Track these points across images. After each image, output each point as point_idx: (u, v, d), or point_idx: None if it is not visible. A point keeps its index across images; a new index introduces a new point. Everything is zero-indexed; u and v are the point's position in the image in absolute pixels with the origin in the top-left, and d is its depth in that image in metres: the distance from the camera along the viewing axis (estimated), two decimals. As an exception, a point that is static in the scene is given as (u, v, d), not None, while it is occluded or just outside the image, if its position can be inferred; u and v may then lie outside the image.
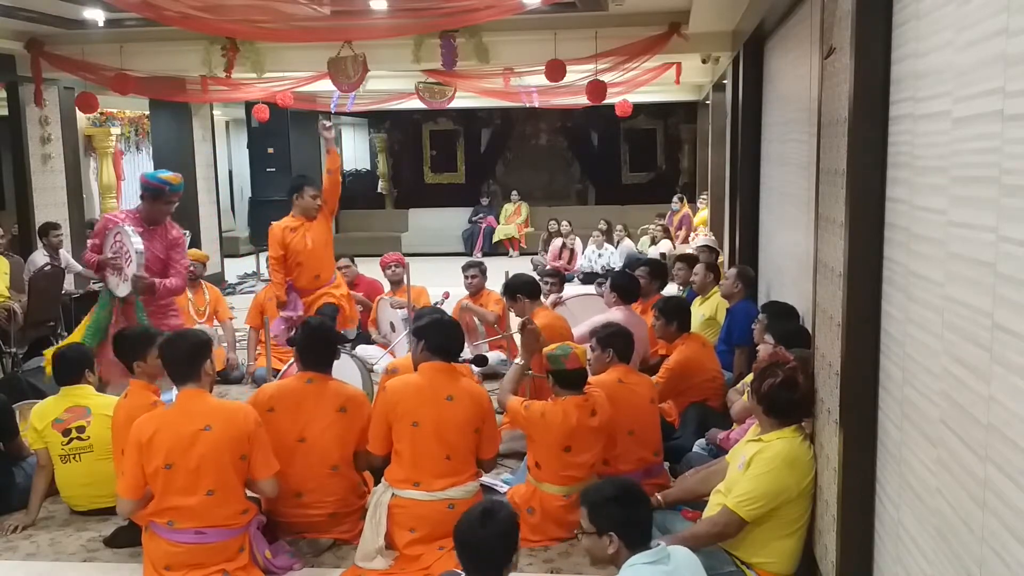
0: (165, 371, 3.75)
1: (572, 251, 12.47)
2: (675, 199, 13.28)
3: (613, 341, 4.32)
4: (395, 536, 3.75)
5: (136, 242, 4.96)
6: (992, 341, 1.86)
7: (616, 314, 5.39)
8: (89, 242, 5.31)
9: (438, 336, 3.97)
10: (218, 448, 3.48)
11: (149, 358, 4.11)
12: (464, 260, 8.88)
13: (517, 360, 4.37)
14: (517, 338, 5.98)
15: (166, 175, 5.20)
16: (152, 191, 5.12)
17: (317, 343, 4.06)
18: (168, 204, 5.19)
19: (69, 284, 8.00)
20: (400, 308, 7.23)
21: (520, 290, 5.48)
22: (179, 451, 3.46)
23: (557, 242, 12.73)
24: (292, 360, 5.54)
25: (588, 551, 2.83)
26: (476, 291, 7.02)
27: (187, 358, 3.61)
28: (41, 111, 8.99)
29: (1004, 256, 1.81)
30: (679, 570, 2.66)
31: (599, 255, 12.08)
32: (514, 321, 6.23)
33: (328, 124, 6.18)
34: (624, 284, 5.69)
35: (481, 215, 15.62)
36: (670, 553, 2.69)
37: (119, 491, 3.58)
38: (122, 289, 5.10)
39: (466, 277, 7.04)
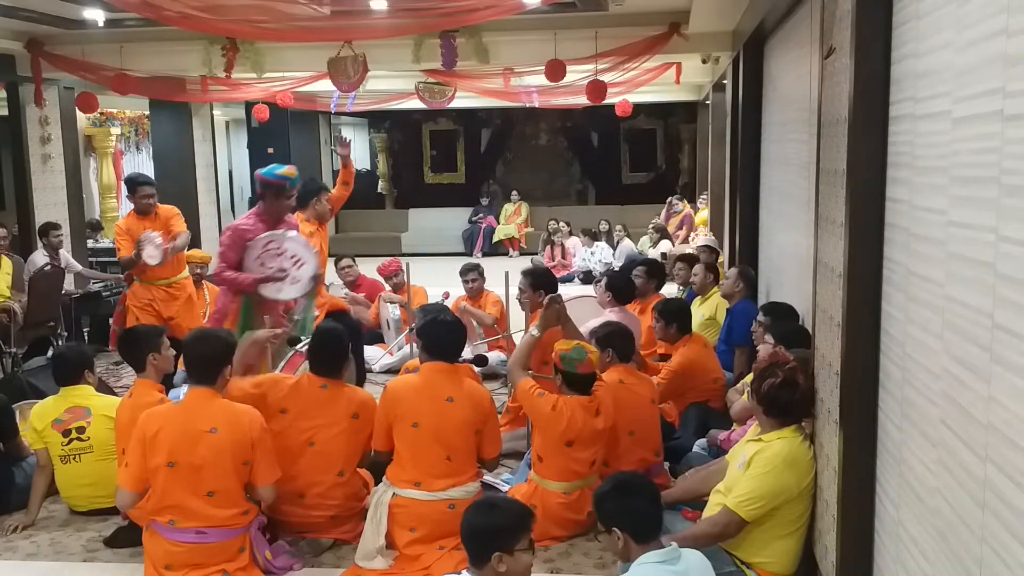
0: (185, 368, 3.72)
1: (563, 248, 12.46)
2: (674, 199, 13.28)
3: (613, 341, 4.33)
4: (395, 536, 3.75)
5: (304, 243, 5.02)
6: (992, 341, 1.86)
7: (612, 315, 5.38)
8: (221, 259, 4.98)
9: (434, 337, 3.97)
10: (221, 452, 3.48)
11: (163, 349, 4.15)
12: (464, 260, 8.87)
13: (532, 331, 4.30)
14: (517, 338, 5.99)
15: (282, 170, 5.06)
16: (274, 188, 4.98)
17: (329, 349, 4.04)
18: (289, 200, 5.09)
19: (69, 284, 8.00)
20: (391, 303, 7.23)
21: (547, 288, 5.36)
22: (183, 450, 3.46)
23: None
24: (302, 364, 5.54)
25: (607, 548, 2.88)
26: (476, 293, 7.02)
27: (212, 360, 3.61)
28: (41, 111, 8.99)
29: (1004, 256, 1.81)
30: (689, 571, 2.66)
31: (591, 253, 12.09)
32: (515, 320, 6.24)
33: (347, 141, 6.02)
34: (620, 284, 5.66)
35: (481, 215, 15.62)
36: (681, 554, 2.69)
37: (120, 482, 3.57)
38: (287, 292, 4.97)
39: (465, 281, 7.04)
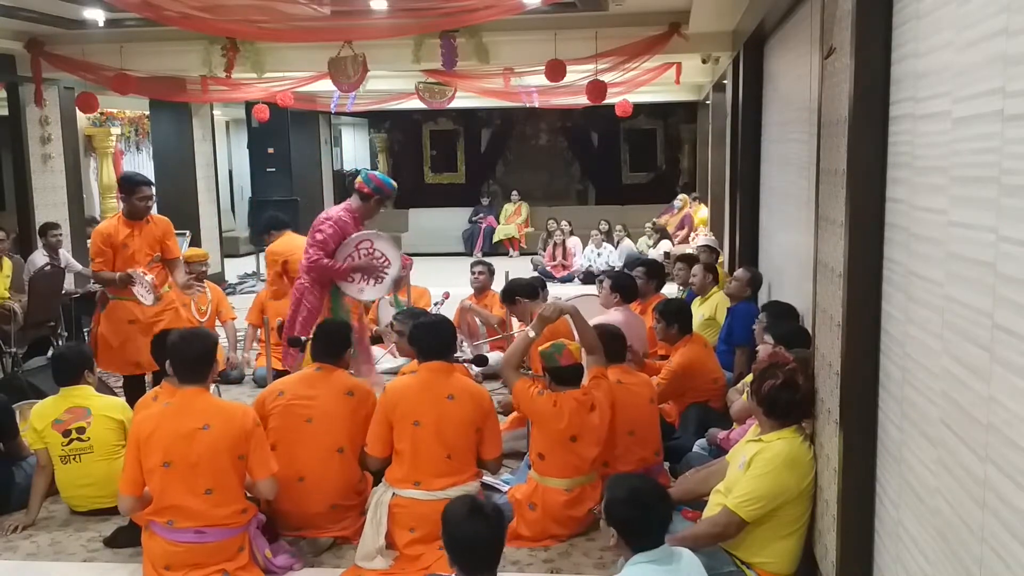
0: (173, 369, 3.73)
1: (564, 247, 12.48)
2: (679, 199, 13.31)
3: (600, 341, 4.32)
4: (395, 536, 3.75)
5: (392, 243, 5.31)
6: (992, 341, 1.86)
7: (615, 315, 5.39)
8: (312, 248, 5.11)
9: (421, 339, 4.01)
10: (216, 447, 3.49)
11: None
12: (465, 260, 8.90)
13: (528, 331, 4.25)
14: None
15: (392, 183, 5.38)
16: (386, 196, 5.30)
17: (331, 337, 4.16)
18: (380, 208, 5.41)
19: (69, 284, 7.99)
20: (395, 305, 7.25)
21: (518, 292, 5.56)
22: (177, 449, 3.46)
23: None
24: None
25: (601, 532, 2.86)
26: (481, 288, 7.07)
27: (199, 360, 3.64)
28: (41, 111, 8.98)
29: (1004, 256, 1.81)
30: (681, 571, 2.66)
31: (598, 254, 12.10)
32: (516, 323, 6.24)
33: None
34: (627, 284, 5.72)
35: (481, 215, 15.63)
36: (673, 553, 2.69)
37: (120, 488, 3.59)
38: (368, 294, 5.28)
39: (473, 274, 7.12)
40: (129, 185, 5.52)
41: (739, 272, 6.08)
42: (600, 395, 3.98)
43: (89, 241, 5.59)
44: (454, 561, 2.65)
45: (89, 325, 8.09)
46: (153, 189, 5.65)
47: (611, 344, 4.34)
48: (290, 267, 6.33)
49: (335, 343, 4.14)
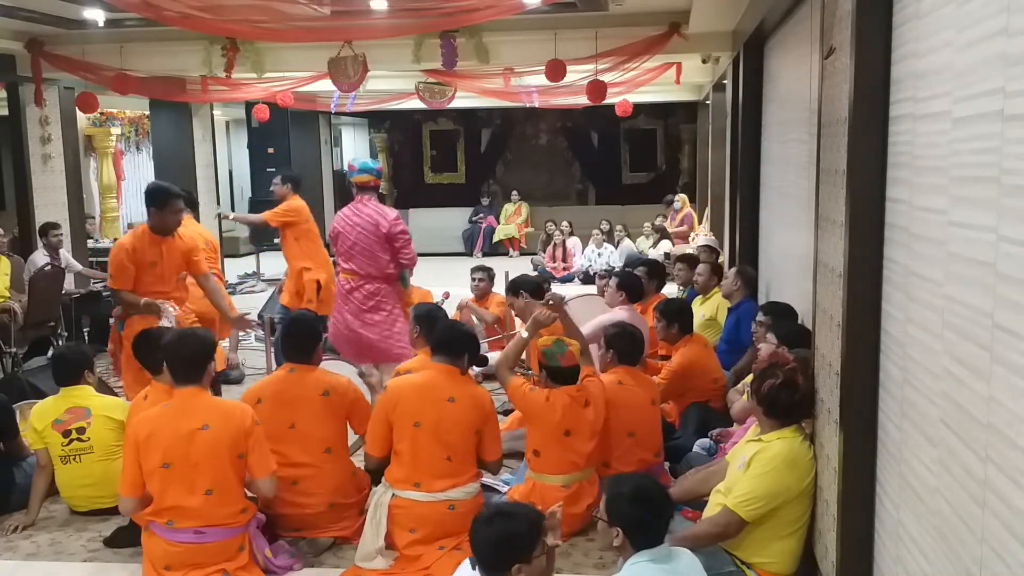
0: (169, 370, 3.71)
1: (565, 248, 12.48)
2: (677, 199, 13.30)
3: (615, 342, 4.33)
4: (395, 536, 3.75)
5: None
6: (992, 341, 1.86)
7: (620, 313, 5.40)
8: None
9: (448, 339, 3.99)
10: (216, 447, 3.49)
11: None
12: (465, 260, 8.89)
13: (522, 332, 4.25)
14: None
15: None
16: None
17: (297, 334, 4.13)
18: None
19: (69, 284, 8.00)
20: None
21: (523, 287, 5.54)
22: (177, 450, 3.46)
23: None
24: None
25: (599, 533, 2.83)
26: (482, 295, 7.06)
27: (194, 359, 3.62)
28: (41, 111, 8.98)
29: (1004, 256, 1.81)
30: (680, 570, 2.66)
31: (599, 255, 12.11)
32: (518, 323, 6.24)
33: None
34: (633, 284, 5.74)
35: (481, 215, 15.64)
36: (673, 552, 2.69)
37: (120, 489, 3.59)
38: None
39: (473, 279, 7.11)
40: (163, 197, 5.00)
41: (728, 271, 6.11)
42: (594, 391, 3.99)
43: (109, 255, 5.10)
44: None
45: (89, 325, 8.13)
46: (184, 202, 5.20)
47: (628, 346, 4.34)
48: None
49: (304, 340, 4.10)
